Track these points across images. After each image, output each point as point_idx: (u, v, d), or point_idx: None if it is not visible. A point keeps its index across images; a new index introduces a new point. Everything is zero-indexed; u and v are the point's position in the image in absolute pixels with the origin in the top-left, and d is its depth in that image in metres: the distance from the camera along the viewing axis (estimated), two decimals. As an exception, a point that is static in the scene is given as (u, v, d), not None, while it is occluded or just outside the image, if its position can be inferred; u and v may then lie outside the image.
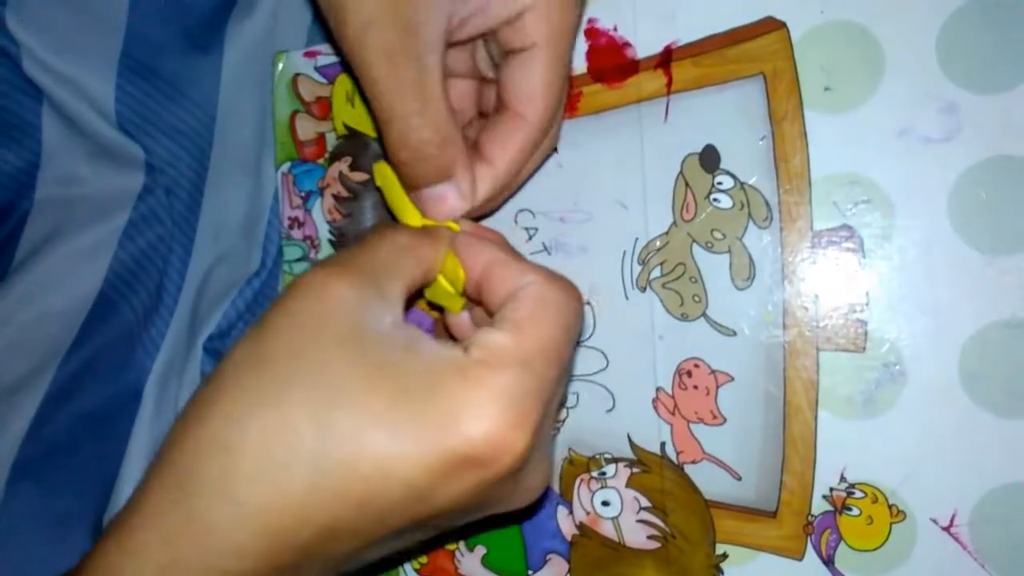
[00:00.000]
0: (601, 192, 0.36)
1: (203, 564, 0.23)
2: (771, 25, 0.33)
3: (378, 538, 0.25)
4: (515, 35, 0.30)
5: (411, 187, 0.30)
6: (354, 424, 0.23)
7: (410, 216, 0.31)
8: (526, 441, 0.23)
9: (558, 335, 0.25)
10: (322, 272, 0.25)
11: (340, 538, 0.24)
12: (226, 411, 0.24)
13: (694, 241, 0.34)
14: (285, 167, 0.42)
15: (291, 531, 0.23)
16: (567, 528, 0.37)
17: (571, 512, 0.36)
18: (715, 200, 0.34)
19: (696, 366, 0.34)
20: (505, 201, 0.35)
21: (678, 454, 0.35)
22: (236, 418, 0.23)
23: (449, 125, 0.29)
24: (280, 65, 0.42)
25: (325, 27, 0.30)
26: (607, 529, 0.36)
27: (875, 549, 0.32)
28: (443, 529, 0.27)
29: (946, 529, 0.31)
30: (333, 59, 0.41)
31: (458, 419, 0.23)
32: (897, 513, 0.32)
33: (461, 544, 0.38)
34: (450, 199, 0.30)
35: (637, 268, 0.35)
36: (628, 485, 0.36)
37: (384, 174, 0.31)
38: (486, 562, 0.38)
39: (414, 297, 0.29)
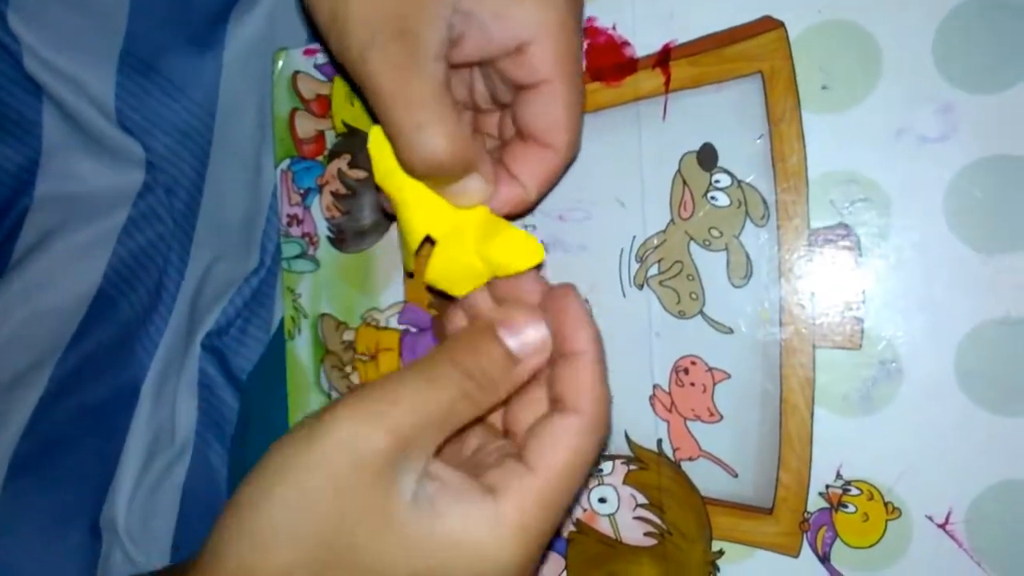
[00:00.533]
0: (599, 190, 0.36)
1: None
2: (769, 24, 0.33)
3: None
4: (522, 70, 0.30)
5: (433, 188, 0.30)
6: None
7: (414, 197, 0.30)
8: (535, 556, 0.27)
9: (581, 471, 0.28)
10: (351, 425, 0.25)
11: None
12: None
13: (691, 239, 0.34)
14: (284, 164, 0.43)
15: None
16: (564, 525, 0.37)
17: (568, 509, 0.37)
18: (712, 198, 0.34)
19: (693, 363, 0.35)
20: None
21: (675, 451, 0.35)
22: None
23: (461, 129, 0.29)
24: (280, 63, 0.42)
25: (325, 46, 0.30)
26: (604, 526, 0.36)
27: (871, 546, 0.32)
28: None
29: (941, 526, 0.32)
30: (333, 57, 0.41)
31: (485, 561, 0.26)
32: (893, 510, 0.32)
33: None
34: (473, 186, 0.30)
35: (635, 266, 0.35)
36: (625, 482, 0.36)
37: (380, 142, 0.30)
38: (483, 559, 0.38)
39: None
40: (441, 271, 0.31)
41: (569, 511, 0.29)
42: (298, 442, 0.26)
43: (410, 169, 0.29)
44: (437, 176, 0.29)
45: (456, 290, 0.31)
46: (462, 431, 0.28)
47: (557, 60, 0.30)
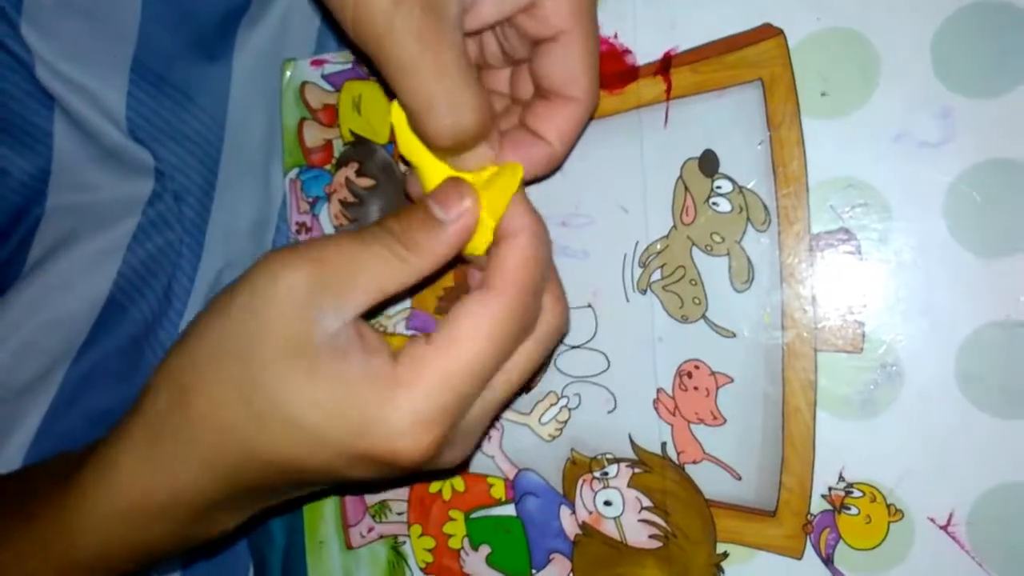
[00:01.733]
0: (602, 196, 0.36)
1: (168, 494, 0.29)
2: (768, 32, 0.34)
3: (297, 488, 0.31)
4: (538, 24, 0.30)
5: (439, 156, 0.30)
6: (282, 420, 0.27)
7: (434, 168, 0.30)
8: (424, 449, 0.27)
9: (494, 354, 0.27)
10: (279, 259, 0.27)
11: (267, 487, 0.30)
12: (186, 381, 0.28)
13: (694, 244, 0.35)
14: (293, 173, 0.43)
15: (230, 478, 0.28)
16: (570, 527, 0.37)
17: (574, 512, 0.37)
18: (714, 204, 0.35)
19: (696, 367, 0.35)
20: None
21: (679, 454, 0.35)
22: (193, 388, 0.28)
23: (486, 99, 0.29)
24: (288, 73, 0.43)
25: (337, 28, 0.30)
26: (609, 528, 0.36)
27: (873, 548, 0.33)
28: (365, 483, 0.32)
29: (943, 528, 0.32)
30: (340, 67, 0.42)
31: (368, 428, 0.26)
32: (895, 512, 0.32)
33: (466, 543, 0.39)
34: (481, 152, 0.30)
35: (638, 271, 0.36)
36: (630, 485, 0.36)
37: (400, 119, 0.30)
38: (490, 561, 0.38)
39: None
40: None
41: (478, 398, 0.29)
42: (228, 288, 0.28)
43: (435, 139, 0.29)
44: (460, 147, 0.29)
45: (473, 249, 0.31)
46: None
47: (572, 9, 0.29)
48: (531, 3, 0.29)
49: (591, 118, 0.33)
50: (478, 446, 0.30)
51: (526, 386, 0.34)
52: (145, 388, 0.30)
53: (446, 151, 0.30)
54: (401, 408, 0.26)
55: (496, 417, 0.31)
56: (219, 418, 0.27)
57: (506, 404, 0.30)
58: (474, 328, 0.27)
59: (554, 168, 0.33)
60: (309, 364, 0.26)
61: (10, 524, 0.33)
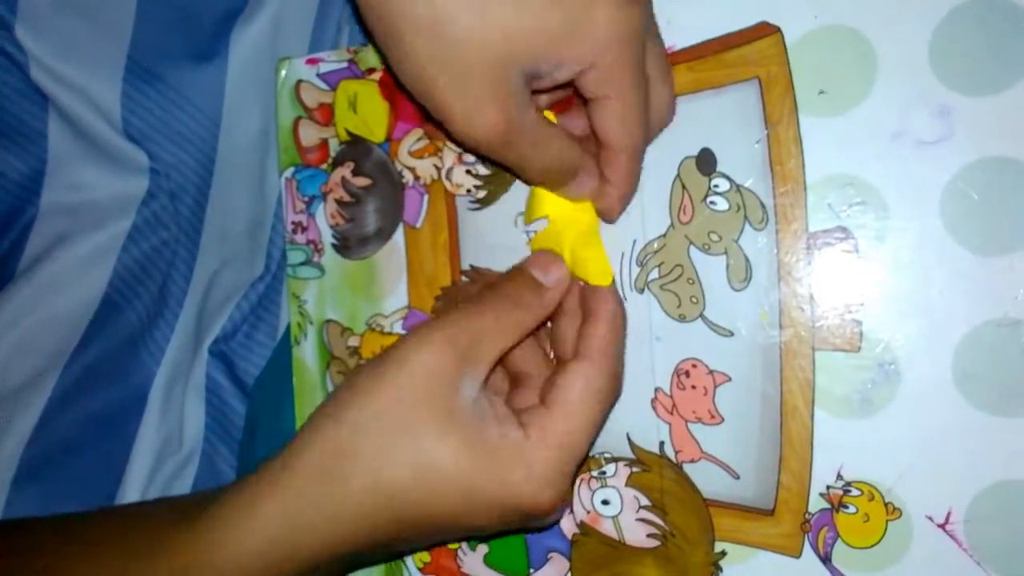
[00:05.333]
0: (600, 195, 0.36)
1: (307, 540, 0.31)
2: (766, 30, 0.34)
3: (439, 538, 0.34)
4: (587, 86, 0.31)
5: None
6: (440, 479, 0.30)
7: (548, 200, 0.35)
8: (559, 497, 0.31)
9: (599, 417, 0.32)
10: (420, 339, 0.31)
11: (412, 539, 0.33)
12: (343, 446, 0.31)
13: (691, 243, 0.35)
14: (289, 172, 0.43)
15: (381, 531, 0.31)
16: (568, 526, 0.37)
17: (572, 511, 0.37)
18: (711, 203, 0.34)
19: (694, 366, 0.35)
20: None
21: (677, 453, 0.35)
22: (352, 452, 0.31)
23: (561, 144, 0.33)
24: (283, 72, 0.43)
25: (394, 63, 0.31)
26: (607, 527, 0.36)
27: (871, 546, 0.33)
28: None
29: (941, 526, 0.32)
30: (335, 66, 0.42)
31: (513, 487, 0.31)
32: (893, 511, 0.32)
33: (463, 543, 0.39)
34: (585, 183, 0.34)
35: (635, 270, 0.36)
36: (628, 484, 0.36)
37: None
38: (488, 561, 0.38)
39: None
40: (540, 246, 0.36)
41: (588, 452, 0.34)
42: (374, 366, 0.32)
43: (527, 180, 0.35)
44: (554, 185, 0.34)
45: (599, 279, 0.34)
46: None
47: (616, 76, 0.31)
48: (580, 72, 0.31)
49: (640, 162, 0.34)
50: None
51: None
52: (290, 449, 0.32)
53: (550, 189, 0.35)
54: (537, 468, 0.31)
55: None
56: (380, 478, 0.30)
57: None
58: (583, 395, 0.32)
59: (622, 209, 0.35)
60: (459, 430, 0.30)
61: (117, 564, 0.33)
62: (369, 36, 0.32)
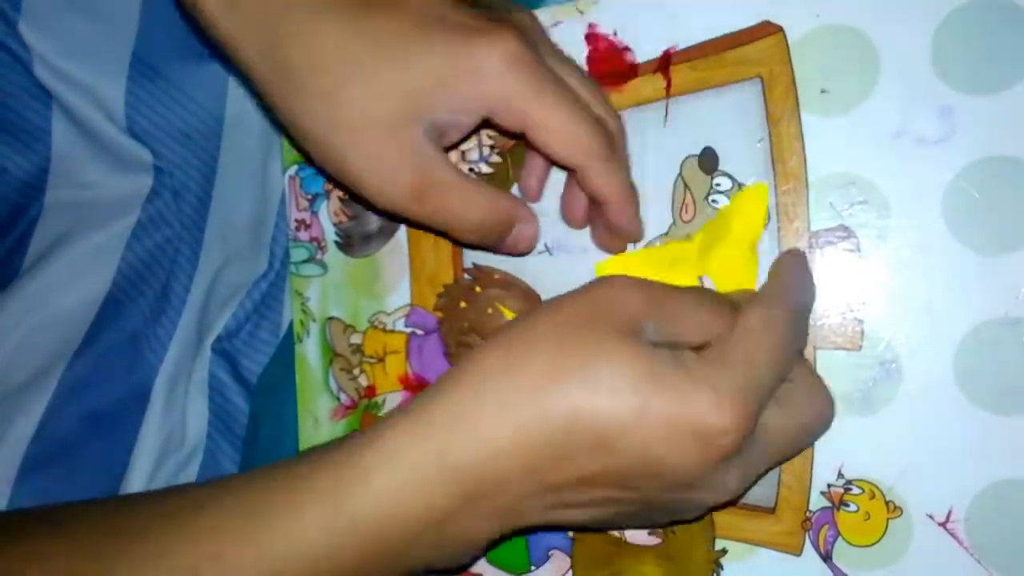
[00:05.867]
0: (602, 194, 0.36)
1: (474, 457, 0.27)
2: (768, 29, 0.34)
3: (589, 487, 0.29)
4: (508, 124, 0.31)
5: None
6: (612, 388, 0.27)
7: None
8: (739, 427, 0.27)
9: (780, 348, 0.29)
10: (621, 279, 0.29)
11: (569, 472, 0.28)
12: (518, 349, 0.28)
13: (693, 241, 0.35)
14: (292, 170, 0.43)
15: (537, 450, 0.27)
16: (569, 524, 0.37)
17: (573, 509, 0.37)
18: (713, 201, 0.35)
19: (696, 364, 0.35)
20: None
21: (678, 451, 0.35)
22: (527, 355, 0.28)
23: (488, 196, 0.33)
24: (287, 70, 0.43)
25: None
26: (608, 525, 0.37)
27: (872, 544, 0.33)
28: (641, 509, 0.30)
29: (942, 525, 0.32)
30: (339, 64, 0.42)
31: (691, 403, 0.27)
32: (894, 509, 0.33)
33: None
34: (524, 234, 0.35)
35: (637, 268, 0.36)
36: (629, 482, 0.36)
37: None
38: (490, 558, 0.38)
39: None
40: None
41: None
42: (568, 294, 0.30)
43: (464, 241, 0.35)
44: (488, 240, 0.35)
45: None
46: None
47: (522, 107, 0.30)
48: (487, 114, 0.31)
49: (629, 205, 0.34)
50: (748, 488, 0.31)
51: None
52: (467, 358, 0.29)
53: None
54: (718, 380, 0.27)
55: (767, 470, 0.31)
56: (553, 378, 0.27)
57: (777, 460, 0.31)
58: (762, 322, 0.29)
59: (632, 220, 0.35)
60: (635, 347, 0.27)
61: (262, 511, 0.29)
62: (275, 123, 0.32)
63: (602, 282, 0.29)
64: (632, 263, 0.36)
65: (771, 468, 0.31)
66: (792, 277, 0.32)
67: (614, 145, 0.33)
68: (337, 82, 0.29)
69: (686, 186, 0.35)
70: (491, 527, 0.29)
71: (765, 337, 0.29)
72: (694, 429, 0.27)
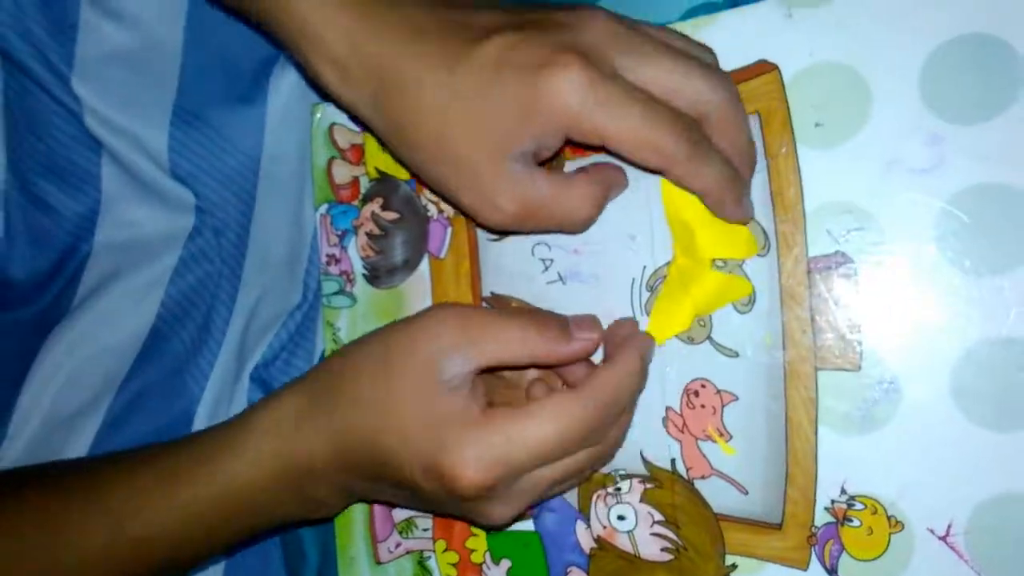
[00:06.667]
0: (611, 225, 0.38)
1: (307, 456, 0.36)
2: (764, 68, 0.36)
3: (378, 482, 0.36)
4: (587, 141, 0.34)
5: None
6: (396, 416, 0.34)
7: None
8: (478, 483, 0.33)
9: (551, 439, 0.33)
10: (440, 309, 0.35)
11: (364, 471, 0.36)
12: (339, 368, 0.37)
13: (698, 269, 0.37)
14: (323, 208, 0.46)
15: (347, 451, 0.36)
16: (585, 541, 0.39)
17: (589, 526, 0.39)
18: (716, 230, 0.36)
19: (703, 386, 0.37)
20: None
21: (688, 470, 0.37)
22: (344, 373, 0.36)
23: (581, 187, 0.37)
24: (318, 115, 0.46)
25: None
26: (623, 542, 0.38)
27: (876, 558, 0.34)
28: (427, 508, 0.39)
29: (943, 539, 0.33)
30: (365, 108, 0.44)
31: (445, 450, 0.33)
32: (896, 524, 0.34)
33: (487, 558, 0.41)
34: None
35: (646, 294, 0.38)
36: (642, 500, 0.38)
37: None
38: (511, 575, 0.40)
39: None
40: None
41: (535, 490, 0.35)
42: (398, 321, 0.36)
43: (576, 230, 0.38)
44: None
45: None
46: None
47: (595, 127, 0.33)
48: (568, 135, 0.34)
49: None
50: (522, 513, 0.36)
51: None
52: (306, 375, 0.38)
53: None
54: (471, 446, 0.33)
55: (548, 495, 0.36)
56: (358, 395, 0.35)
57: (559, 486, 0.36)
58: (550, 416, 0.33)
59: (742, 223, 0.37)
60: (428, 389, 0.34)
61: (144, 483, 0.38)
62: (387, 147, 0.37)
63: (425, 315, 0.35)
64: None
65: (550, 494, 0.37)
66: (624, 374, 0.34)
67: (697, 137, 0.33)
68: (436, 135, 0.34)
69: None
70: (335, 497, 0.38)
71: (548, 424, 0.33)
72: (437, 471, 0.33)
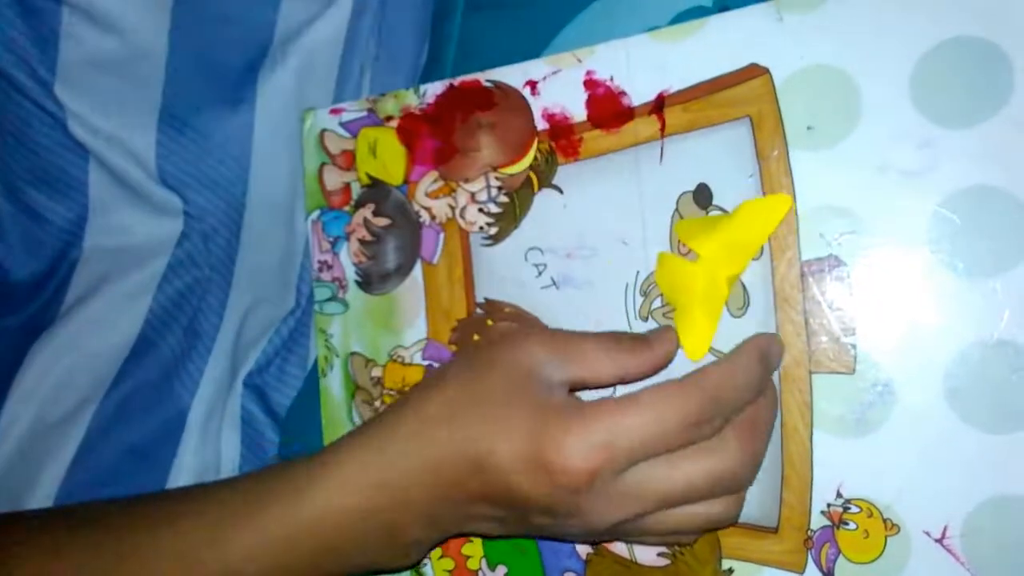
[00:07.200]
0: (604, 230, 0.38)
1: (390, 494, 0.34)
2: (755, 71, 0.36)
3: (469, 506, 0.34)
4: None
5: None
6: (496, 427, 0.33)
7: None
8: (580, 470, 0.31)
9: (651, 423, 0.32)
10: (525, 334, 0.35)
11: (462, 499, 0.34)
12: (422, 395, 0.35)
13: (692, 273, 0.37)
14: (314, 215, 0.46)
15: (443, 481, 0.34)
16: (582, 547, 0.39)
17: (585, 532, 0.39)
18: (709, 235, 0.36)
19: (698, 391, 0.36)
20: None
21: (683, 474, 0.37)
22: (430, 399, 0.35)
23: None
24: (308, 122, 0.45)
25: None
26: (620, 548, 0.38)
27: (872, 561, 0.34)
28: (518, 526, 0.35)
29: (939, 541, 0.33)
30: (356, 115, 0.44)
31: (547, 442, 0.32)
32: (891, 527, 0.34)
33: (484, 564, 0.40)
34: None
35: (639, 299, 0.38)
36: (638, 505, 0.38)
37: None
38: (507, 581, 0.40)
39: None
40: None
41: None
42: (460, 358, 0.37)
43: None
44: None
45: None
46: None
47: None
48: None
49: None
50: (623, 525, 0.34)
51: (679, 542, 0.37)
52: (385, 409, 0.36)
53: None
54: (574, 435, 0.31)
55: (649, 510, 0.33)
56: (451, 412, 0.34)
57: (672, 504, 0.33)
58: (650, 401, 0.32)
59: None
60: (528, 389, 0.33)
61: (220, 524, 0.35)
62: None
63: (507, 338, 0.35)
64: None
65: (657, 510, 0.33)
66: (733, 369, 0.33)
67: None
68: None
69: (683, 220, 0.37)
70: (421, 531, 0.35)
71: (646, 411, 0.32)
72: (545, 464, 0.31)
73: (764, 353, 0.34)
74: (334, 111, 0.45)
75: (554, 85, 0.39)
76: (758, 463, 0.34)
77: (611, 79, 0.38)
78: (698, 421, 0.32)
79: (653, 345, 0.35)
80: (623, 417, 0.31)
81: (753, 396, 0.33)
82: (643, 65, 0.37)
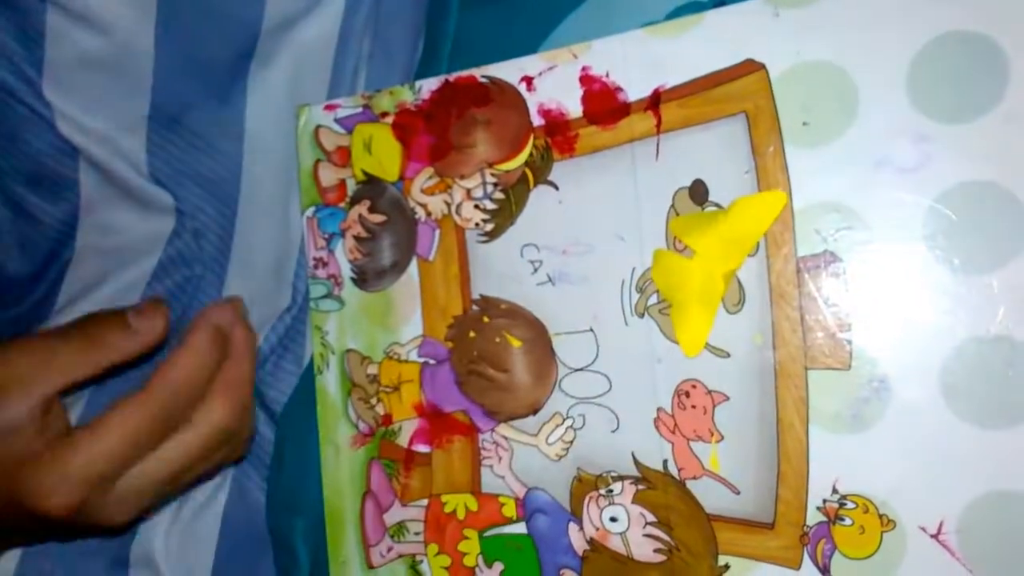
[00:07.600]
0: (600, 226, 0.38)
1: None
2: (751, 67, 0.36)
3: None
4: None
5: None
6: None
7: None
8: (66, 506, 0.34)
9: (121, 443, 0.34)
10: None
11: None
12: None
13: (688, 270, 0.37)
14: (310, 211, 0.45)
15: None
16: (578, 544, 0.39)
17: (581, 528, 0.39)
18: (705, 231, 0.36)
19: (694, 387, 0.37)
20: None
21: (680, 471, 0.37)
22: None
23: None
24: (303, 118, 0.45)
25: None
26: (616, 544, 0.38)
27: (868, 557, 0.34)
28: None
29: (935, 537, 0.33)
30: (351, 111, 0.44)
31: (24, 481, 0.34)
32: (887, 522, 0.34)
33: (480, 561, 0.41)
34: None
35: (635, 295, 0.38)
36: (634, 501, 0.38)
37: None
38: (503, 578, 0.40)
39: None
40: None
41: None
42: None
43: None
44: None
45: None
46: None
47: None
48: None
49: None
50: (145, 512, 0.37)
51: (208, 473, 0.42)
52: None
53: None
54: (48, 475, 0.34)
55: (173, 490, 0.38)
56: None
57: (177, 480, 0.37)
58: (118, 420, 0.35)
59: None
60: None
61: None
62: None
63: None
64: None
65: (167, 487, 0.37)
66: (188, 354, 0.36)
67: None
68: None
69: (678, 217, 0.37)
70: None
71: (112, 437, 0.34)
72: (27, 507, 0.34)
73: (215, 326, 0.37)
74: (329, 107, 0.44)
75: (550, 81, 0.39)
76: (248, 408, 0.39)
77: (607, 75, 0.38)
78: (170, 415, 0.35)
79: (131, 339, 0.37)
80: (92, 445, 0.34)
81: (217, 365, 0.37)
82: (639, 61, 0.37)
